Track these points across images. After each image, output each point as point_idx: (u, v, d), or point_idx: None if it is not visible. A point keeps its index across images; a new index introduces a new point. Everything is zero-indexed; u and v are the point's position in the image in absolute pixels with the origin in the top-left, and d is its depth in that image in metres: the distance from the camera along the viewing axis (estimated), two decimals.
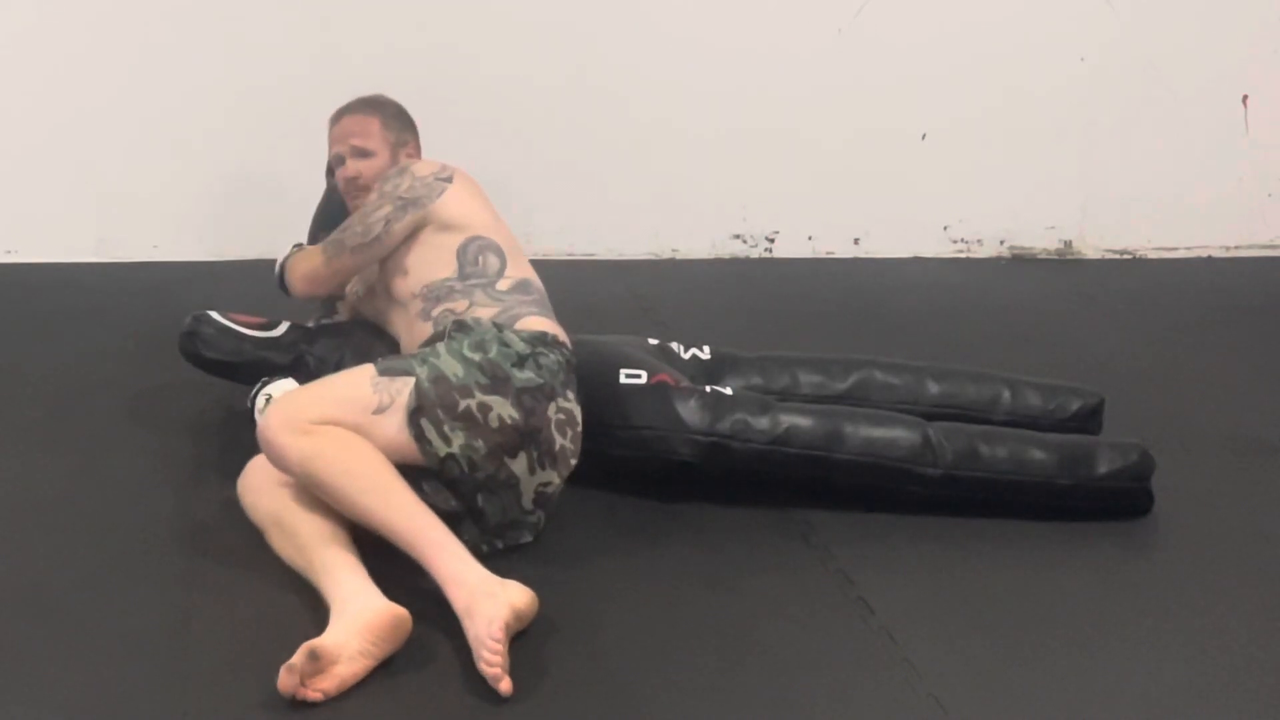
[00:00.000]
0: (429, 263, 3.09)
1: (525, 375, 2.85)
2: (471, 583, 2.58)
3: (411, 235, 3.13)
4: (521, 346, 2.89)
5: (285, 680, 2.40)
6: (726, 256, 4.97)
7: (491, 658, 2.45)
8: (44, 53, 4.50)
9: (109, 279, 4.48)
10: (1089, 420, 3.42)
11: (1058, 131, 5.06)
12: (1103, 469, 3.18)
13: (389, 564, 2.70)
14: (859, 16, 4.86)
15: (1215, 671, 2.67)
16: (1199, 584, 2.98)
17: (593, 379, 3.17)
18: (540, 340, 2.92)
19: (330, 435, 2.72)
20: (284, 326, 3.39)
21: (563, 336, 3.01)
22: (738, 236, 4.98)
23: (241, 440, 3.25)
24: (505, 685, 2.44)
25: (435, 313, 3.02)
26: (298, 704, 2.42)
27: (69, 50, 4.50)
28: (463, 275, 3.04)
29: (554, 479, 2.89)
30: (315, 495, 2.74)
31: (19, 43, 4.49)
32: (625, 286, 4.60)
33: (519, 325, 2.95)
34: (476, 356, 2.84)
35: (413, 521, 2.67)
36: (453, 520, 2.78)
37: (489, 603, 2.52)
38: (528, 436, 2.84)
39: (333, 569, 2.65)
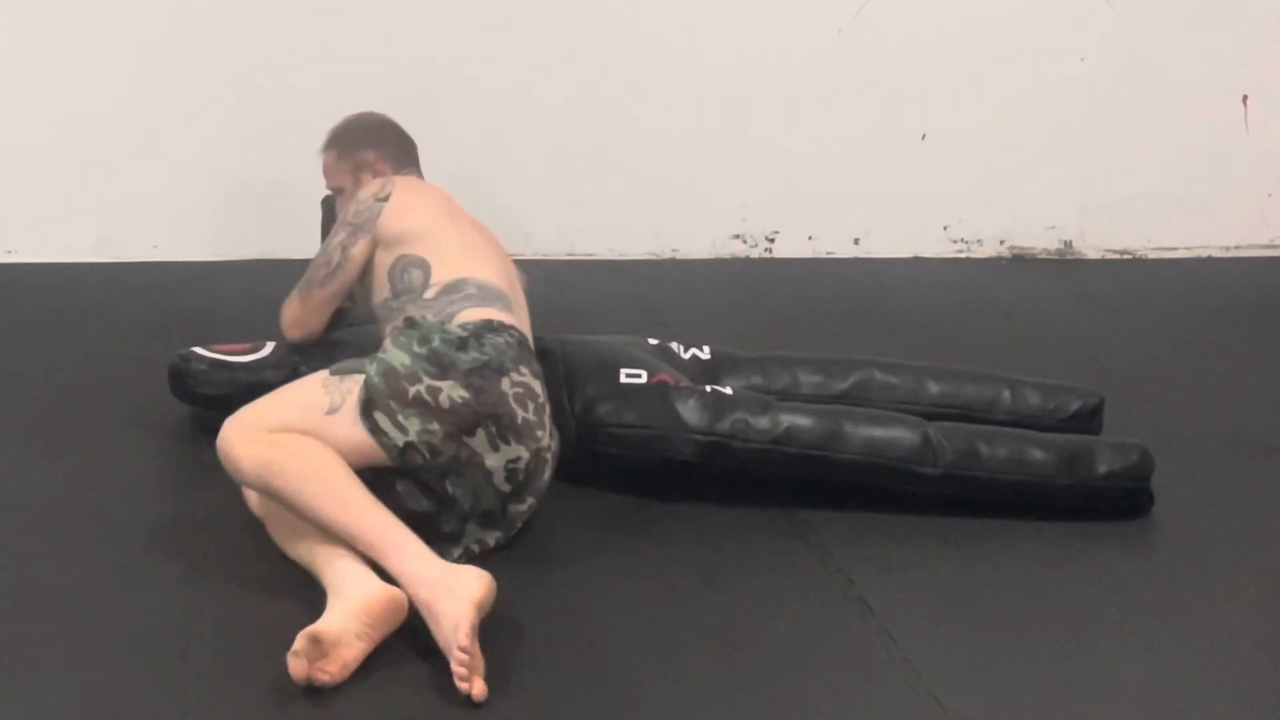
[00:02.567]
0: (373, 287, 3.15)
1: (470, 356, 2.84)
2: (430, 579, 2.57)
3: (369, 258, 3.17)
4: (462, 333, 2.89)
5: (296, 666, 2.41)
6: (726, 256, 4.97)
7: (459, 670, 2.44)
8: (45, 53, 4.50)
9: (109, 279, 4.48)
10: (1089, 420, 3.42)
11: (1058, 131, 5.05)
12: (1103, 469, 3.18)
13: None
14: (859, 17, 4.86)
15: (1215, 671, 2.67)
16: (1199, 584, 2.98)
17: (593, 378, 3.17)
18: (485, 327, 2.92)
19: (283, 442, 2.73)
20: (270, 346, 3.39)
21: (510, 321, 2.99)
22: (738, 236, 4.97)
23: None
24: (478, 690, 2.43)
25: (386, 331, 3.03)
26: (297, 701, 2.42)
27: (70, 50, 4.50)
28: (395, 294, 3.07)
29: (521, 453, 2.85)
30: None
31: (20, 43, 4.49)
32: (625, 286, 4.60)
33: (458, 319, 2.94)
34: (422, 350, 2.84)
35: (368, 522, 2.67)
36: (433, 515, 2.80)
37: (450, 601, 2.51)
38: (482, 414, 2.81)
39: (332, 557, 2.67)
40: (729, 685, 2.56)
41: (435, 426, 2.78)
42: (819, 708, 2.52)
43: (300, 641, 2.43)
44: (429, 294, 3.02)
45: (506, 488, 2.85)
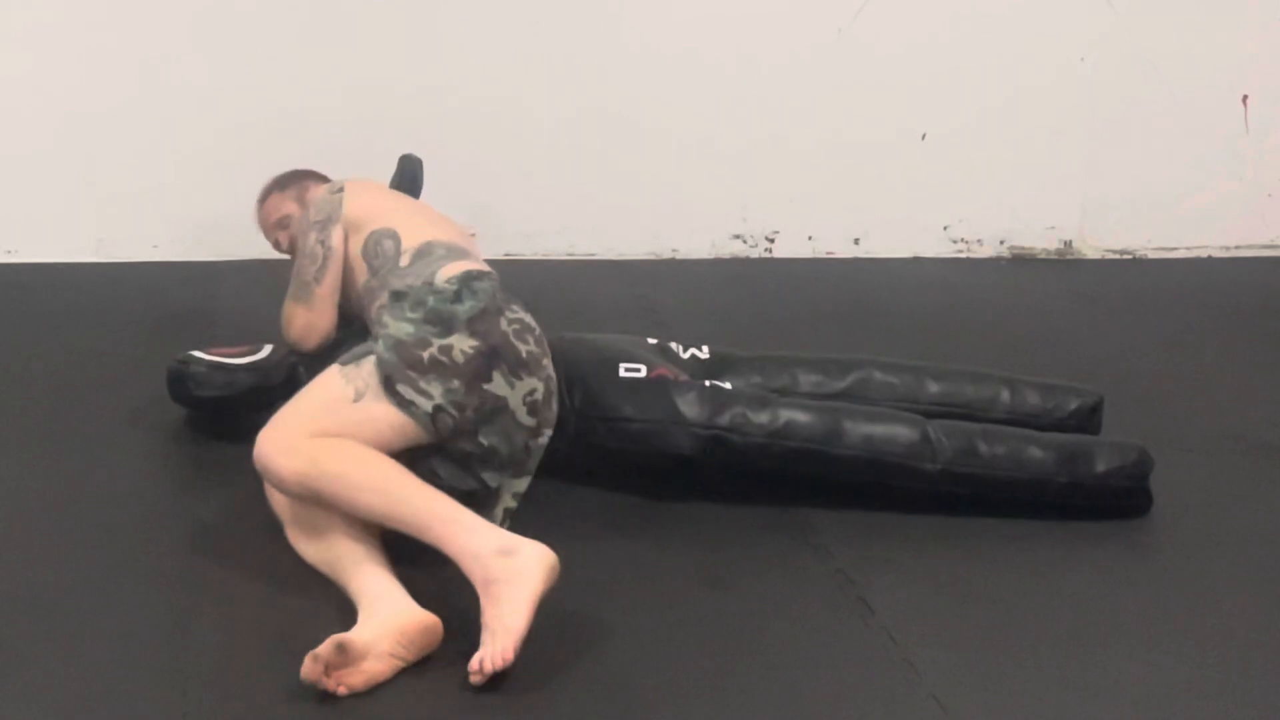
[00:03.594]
0: (352, 278, 3.20)
1: (467, 306, 2.90)
2: (488, 555, 2.57)
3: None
4: (451, 286, 2.95)
5: (309, 668, 2.41)
6: (726, 256, 4.97)
7: (486, 667, 2.45)
8: (45, 53, 4.50)
9: (109, 279, 4.48)
10: (1088, 419, 3.42)
11: (1058, 131, 5.05)
12: (1101, 467, 3.19)
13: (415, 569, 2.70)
14: (859, 17, 4.86)
15: (1215, 672, 2.67)
16: (1199, 584, 2.98)
17: (592, 373, 3.18)
18: (468, 276, 2.98)
19: (320, 446, 2.73)
20: (268, 348, 3.39)
21: (486, 269, 3.07)
22: (738, 236, 4.97)
23: (242, 440, 3.25)
24: (475, 680, 2.46)
25: (373, 314, 3.06)
26: (296, 701, 2.42)
27: (71, 50, 4.50)
28: (373, 271, 3.13)
29: (535, 385, 2.90)
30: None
31: (20, 43, 4.49)
32: (625, 286, 4.60)
33: (440, 276, 3.00)
34: (418, 314, 2.89)
35: (415, 505, 2.68)
36: (474, 501, 2.81)
37: (509, 593, 2.51)
38: (493, 356, 2.86)
39: (362, 568, 2.66)
40: (729, 685, 2.56)
41: (456, 384, 2.82)
42: (819, 708, 2.52)
43: (325, 646, 2.42)
44: (404, 261, 3.08)
45: (531, 421, 2.90)
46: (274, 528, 2.96)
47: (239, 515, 3.00)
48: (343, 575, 2.69)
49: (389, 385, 2.79)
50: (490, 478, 2.87)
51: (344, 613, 2.63)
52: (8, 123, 4.52)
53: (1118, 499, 3.21)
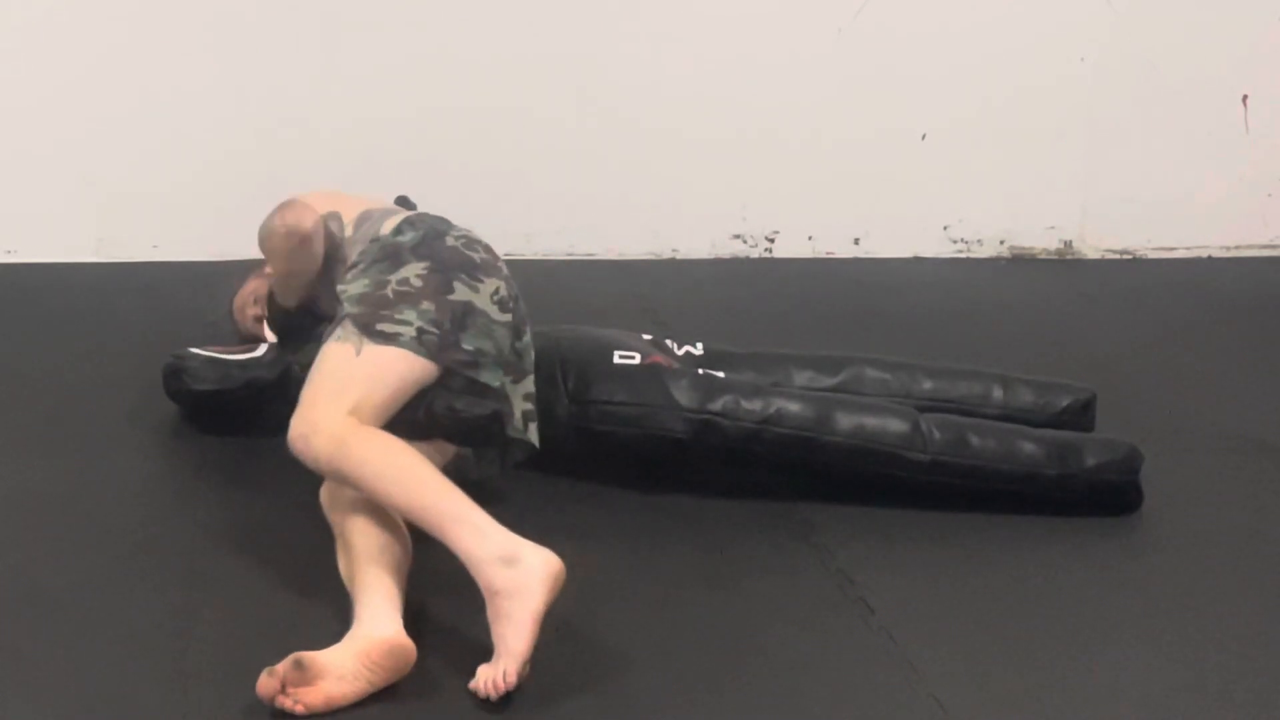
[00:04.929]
0: (319, 269, 3.24)
1: (409, 237, 3.05)
2: (489, 561, 2.56)
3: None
4: (393, 229, 3.08)
5: (264, 683, 2.40)
6: (726, 256, 4.97)
7: (489, 690, 2.46)
8: (46, 53, 4.50)
9: (109, 279, 4.48)
10: (1080, 415, 3.43)
11: (1058, 131, 5.05)
12: (1090, 462, 3.20)
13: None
14: (859, 16, 4.86)
15: (1214, 672, 2.67)
16: (1199, 585, 2.98)
17: (586, 359, 3.23)
18: (405, 220, 3.11)
19: (352, 431, 2.76)
20: (263, 347, 3.41)
21: (425, 213, 3.20)
22: (738, 236, 4.97)
23: (242, 440, 3.26)
24: (471, 689, 2.48)
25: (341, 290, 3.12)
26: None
27: (71, 51, 4.50)
28: (331, 257, 3.17)
29: (497, 284, 3.02)
30: (373, 512, 2.75)
31: (21, 43, 4.49)
32: (625, 286, 4.60)
33: (383, 229, 3.10)
34: (366, 263, 3.01)
35: (428, 500, 2.68)
36: (501, 420, 2.96)
37: (512, 609, 2.50)
38: (446, 270, 2.98)
39: (366, 590, 2.64)
40: (729, 685, 2.56)
41: (426, 304, 2.91)
42: (819, 708, 2.52)
43: (283, 662, 2.41)
44: (349, 232, 3.17)
45: (504, 316, 2.99)
46: (274, 528, 2.97)
47: (239, 515, 3.00)
48: (355, 594, 2.67)
49: (370, 330, 2.87)
50: (491, 377, 2.94)
51: (342, 614, 2.62)
52: (8, 122, 4.53)
53: (1108, 494, 3.22)
